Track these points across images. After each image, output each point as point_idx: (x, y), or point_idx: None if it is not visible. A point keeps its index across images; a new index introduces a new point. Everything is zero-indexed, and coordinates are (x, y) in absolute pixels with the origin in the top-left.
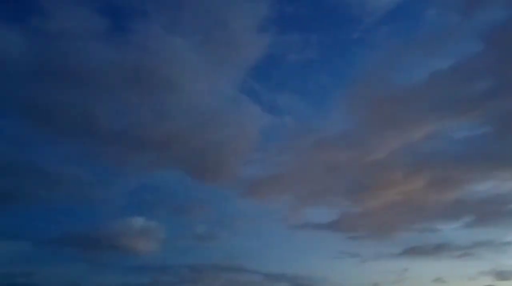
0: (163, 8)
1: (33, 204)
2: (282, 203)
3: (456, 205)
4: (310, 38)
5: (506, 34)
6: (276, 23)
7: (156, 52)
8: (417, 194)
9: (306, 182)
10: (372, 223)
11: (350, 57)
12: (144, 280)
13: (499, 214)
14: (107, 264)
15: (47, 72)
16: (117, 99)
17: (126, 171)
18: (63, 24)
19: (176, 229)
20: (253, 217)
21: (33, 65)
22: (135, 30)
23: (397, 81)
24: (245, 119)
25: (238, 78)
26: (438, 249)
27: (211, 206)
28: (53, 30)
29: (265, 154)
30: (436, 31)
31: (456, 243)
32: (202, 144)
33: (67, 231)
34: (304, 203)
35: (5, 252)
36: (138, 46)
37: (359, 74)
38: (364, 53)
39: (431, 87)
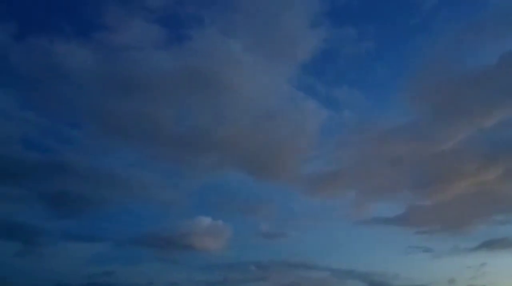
0: (217, 13)
1: (108, 207)
2: (346, 198)
3: None
4: (366, 30)
5: None
6: (330, 17)
7: (213, 56)
8: (492, 184)
9: (370, 176)
10: (444, 217)
11: (409, 45)
12: (215, 278)
13: None
14: (178, 263)
15: (113, 83)
16: (179, 104)
17: (191, 173)
18: (125, 37)
19: (242, 227)
20: (317, 213)
21: (100, 77)
22: (192, 37)
23: (463, 67)
24: (303, 116)
25: (294, 75)
26: None
27: (275, 204)
28: (117, 43)
29: (326, 150)
30: (503, 11)
31: None
32: (263, 143)
33: (140, 232)
34: (369, 198)
35: (88, 253)
36: (196, 52)
37: (421, 62)
38: (424, 40)
39: (502, 70)
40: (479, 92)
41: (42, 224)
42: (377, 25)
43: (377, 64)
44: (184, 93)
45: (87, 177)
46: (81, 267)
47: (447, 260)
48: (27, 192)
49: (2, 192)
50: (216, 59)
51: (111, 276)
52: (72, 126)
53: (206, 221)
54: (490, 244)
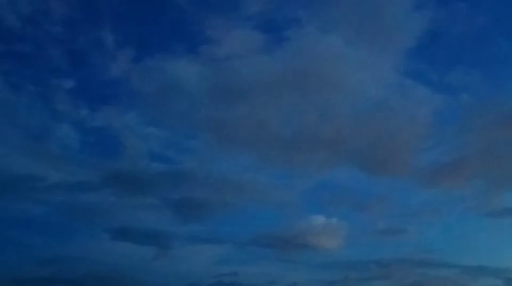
0: (314, 12)
1: (228, 210)
2: (472, 188)
3: None
4: (478, 2)
5: None
6: None
7: (314, 54)
8: None
9: (498, 163)
10: None
11: None
12: (335, 277)
13: None
14: (297, 262)
15: (222, 93)
16: (284, 106)
17: (301, 173)
18: (228, 47)
19: (358, 224)
20: (439, 206)
21: (209, 88)
22: (291, 38)
23: None
24: (415, 104)
25: (401, 62)
26: None
27: (391, 199)
28: (221, 54)
29: (443, 138)
30: None
31: None
32: (373, 136)
33: (259, 233)
34: (499, 187)
35: (213, 254)
36: (296, 52)
37: None
38: None
39: None
40: None
41: (171, 229)
42: None
43: (495, 40)
44: (288, 94)
45: (206, 183)
46: (209, 268)
47: None
48: (156, 200)
49: (135, 202)
50: (317, 57)
51: (236, 276)
52: (189, 137)
53: (320, 219)
54: None
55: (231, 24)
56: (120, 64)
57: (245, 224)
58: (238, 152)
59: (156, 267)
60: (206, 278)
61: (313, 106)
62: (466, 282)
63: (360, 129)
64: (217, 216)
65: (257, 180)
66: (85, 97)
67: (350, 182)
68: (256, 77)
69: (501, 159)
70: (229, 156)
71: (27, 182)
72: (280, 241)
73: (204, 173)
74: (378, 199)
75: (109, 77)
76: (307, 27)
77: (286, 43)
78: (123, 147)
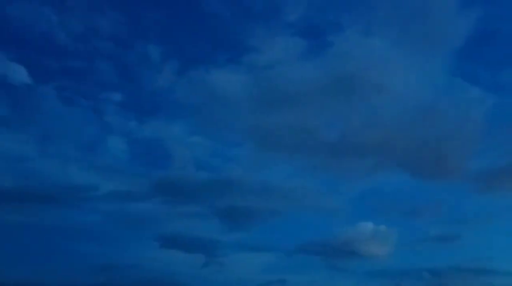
0: (355, 15)
1: (274, 218)
2: None
3: None
4: None
5: None
6: None
7: (357, 58)
8: None
9: None
10: None
11: None
12: (386, 285)
13: None
14: (346, 270)
15: (265, 101)
16: (329, 111)
17: (348, 178)
18: (270, 55)
19: (409, 231)
20: (495, 212)
21: (252, 97)
22: (333, 43)
23: None
24: (465, 106)
25: (449, 63)
26: None
27: (444, 205)
28: (263, 62)
29: (497, 141)
30: None
31: None
32: (422, 140)
33: (306, 240)
34: None
35: (260, 262)
36: (339, 57)
37: None
38: None
39: None
40: None
41: (219, 237)
42: None
43: None
44: (333, 99)
45: (252, 191)
46: (256, 276)
47: None
48: (203, 208)
49: (183, 210)
50: (361, 60)
51: (284, 284)
52: (234, 145)
53: (368, 226)
54: None
55: (272, 31)
56: (165, 76)
57: (292, 231)
58: (283, 159)
59: (205, 274)
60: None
61: (358, 111)
62: None
63: (408, 133)
64: (264, 223)
65: (303, 187)
66: (133, 109)
67: (399, 187)
68: (299, 83)
69: None
70: (274, 163)
71: (80, 191)
72: (328, 249)
73: (249, 180)
74: (430, 204)
75: (155, 89)
76: (349, 31)
77: (329, 48)
78: (170, 156)
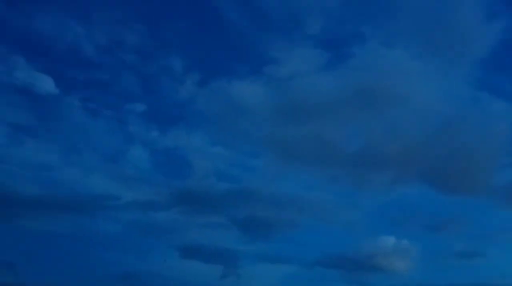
0: (377, 26)
1: (293, 229)
2: None
3: None
4: None
5: None
6: (508, 5)
7: (379, 69)
8: None
9: None
10: None
11: None
12: None
13: None
14: (367, 285)
15: (285, 112)
16: (349, 123)
17: (368, 190)
18: (290, 66)
19: (431, 246)
20: None
21: (273, 108)
22: (355, 54)
23: None
24: (491, 118)
25: (473, 75)
26: None
27: (467, 220)
28: (284, 74)
29: None
30: None
31: None
32: (445, 153)
33: (325, 253)
34: None
35: (280, 274)
36: (360, 68)
37: None
38: None
39: None
40: None
41: (238, 248)
42: None
43: None
44: (353, 111)
45: (271, 202)
46: None
47: None
48: (223, 218)
49: (203, 220)
50: (383, 72)
51: None
52: (254, 156)
53: (389, 240)
54: None
55: (293, 43)
56: (187, 88)
57: (311, 243)
58: (302, 170)
59: (224, 285)
60: None
61: (379, 123)
62: None
63: (430, 146)
64: (283, 234)
65: (322, 199)
66: (156, 119)
67: (422, 201)
68: (320, 95)
69: None
70: (294, 174)
71: (103, 201)
72: (348, 262)
73: (268, 191)
74: (453, 219)
75: (177, 100)
76: (371, 42)
77: (350, 60)
78: (191, 166)
